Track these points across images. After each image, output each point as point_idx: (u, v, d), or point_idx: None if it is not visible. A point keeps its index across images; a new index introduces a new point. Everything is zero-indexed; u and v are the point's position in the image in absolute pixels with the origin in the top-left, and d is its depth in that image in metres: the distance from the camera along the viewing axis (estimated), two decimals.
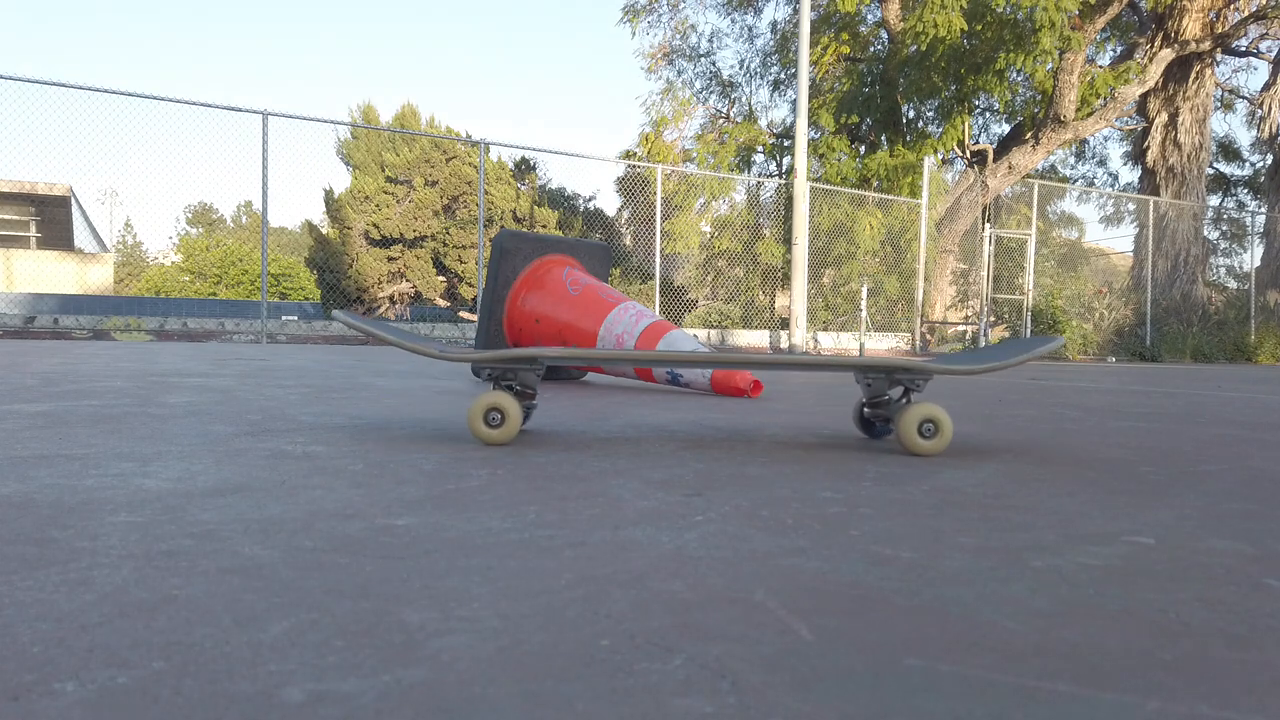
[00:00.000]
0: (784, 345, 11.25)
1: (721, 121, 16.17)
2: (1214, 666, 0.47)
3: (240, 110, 9.16)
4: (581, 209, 18.49)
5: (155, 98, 8.80)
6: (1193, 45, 14.01)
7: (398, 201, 17.47)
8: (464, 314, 16.65)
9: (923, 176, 12.27)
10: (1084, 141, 19.95)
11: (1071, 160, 21.67)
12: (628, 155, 15.65)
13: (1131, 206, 16.18)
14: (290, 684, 0.41)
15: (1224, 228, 19.61)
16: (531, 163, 18.48)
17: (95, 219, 40.55)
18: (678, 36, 16.68)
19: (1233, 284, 19.09)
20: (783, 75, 15.77)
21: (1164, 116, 15.10)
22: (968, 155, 14.12)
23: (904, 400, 1.42)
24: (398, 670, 0.43)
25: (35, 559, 0.63)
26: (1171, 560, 0.71)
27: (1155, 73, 14.01)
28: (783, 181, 13.32)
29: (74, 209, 21.70)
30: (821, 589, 0.60)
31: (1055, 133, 13.39)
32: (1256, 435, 1.81)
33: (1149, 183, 15.52)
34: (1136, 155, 16.27)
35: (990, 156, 14.17)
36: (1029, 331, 12.56)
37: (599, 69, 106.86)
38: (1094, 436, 1.70)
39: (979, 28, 11.99)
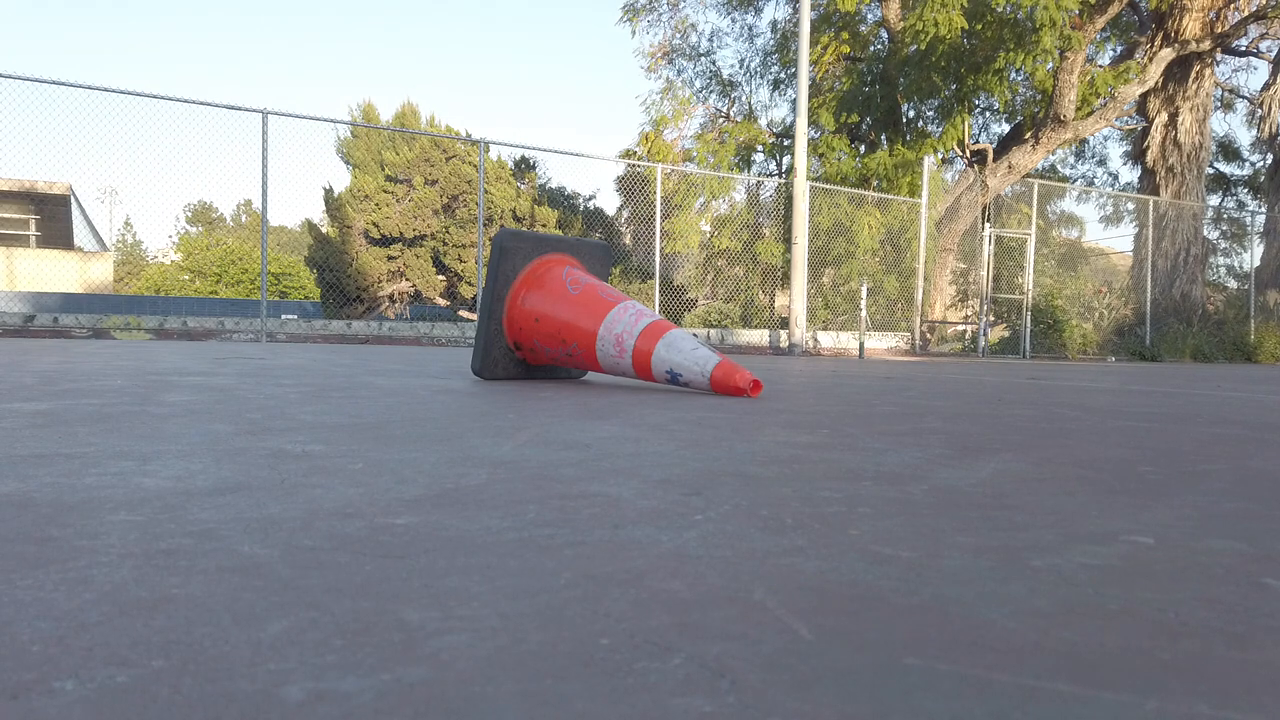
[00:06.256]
0: (784, 344, 11.25)
1: (721, 121, 16.16)
2: (1213, 666, 0.47)
3: (240, 109, 9.15)
4: (581, 208, 18.49)
5: (155, 96, 8.79)
6: (1193, 45, 14.00)
7: (397, 200, 17.46)
8: (464, 313, 16.64)
9: (922, 176, 12.27)
10: (1084, 141, 19.94)
11: (1071, 160, 21.67)
12: (628, 154, 15.65)
13: (1131, 206, 16.18)
14: (289, 682, 0.41)
15: (1224, 227, 19.61)
16: (531, 162, 18.47)
17: (95, 217, 40.56)
18: (678, 35, 16.67)
19: (1233, 284, 19.09)
20: (783, 74, 15.76)
21: (1164, 116, 15.09)
22: (967, 155, 14.11)
23: None
24: (397, 669, 0.43)
25: (34, 557, 0.63)
26: (1171, 560, 0.71)
27: (1155, 72, 14.01)
28: (782, 181, 13.32)
29: (74, 207, 21.69)
30: (821, 588, 0.60)
31: (1055, 132, 13.39)
32: (1256, 435, 1.81)
33: (1149, 182, 15.51)
34: (1136, 155, 16.26)
35: (990, 156, 14.17)
36: (1028, 331, 12.56)
37: (599, 68, 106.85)
38: (1094, 436, 1.70)
39: (979, 27, 11.99)
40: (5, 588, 0.55)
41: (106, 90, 8.57)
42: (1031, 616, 0.55)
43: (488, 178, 16.99)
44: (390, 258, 17.60)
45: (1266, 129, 15.52)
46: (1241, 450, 1.52)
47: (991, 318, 12.80)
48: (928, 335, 13.07)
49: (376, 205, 17.25)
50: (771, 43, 16.08)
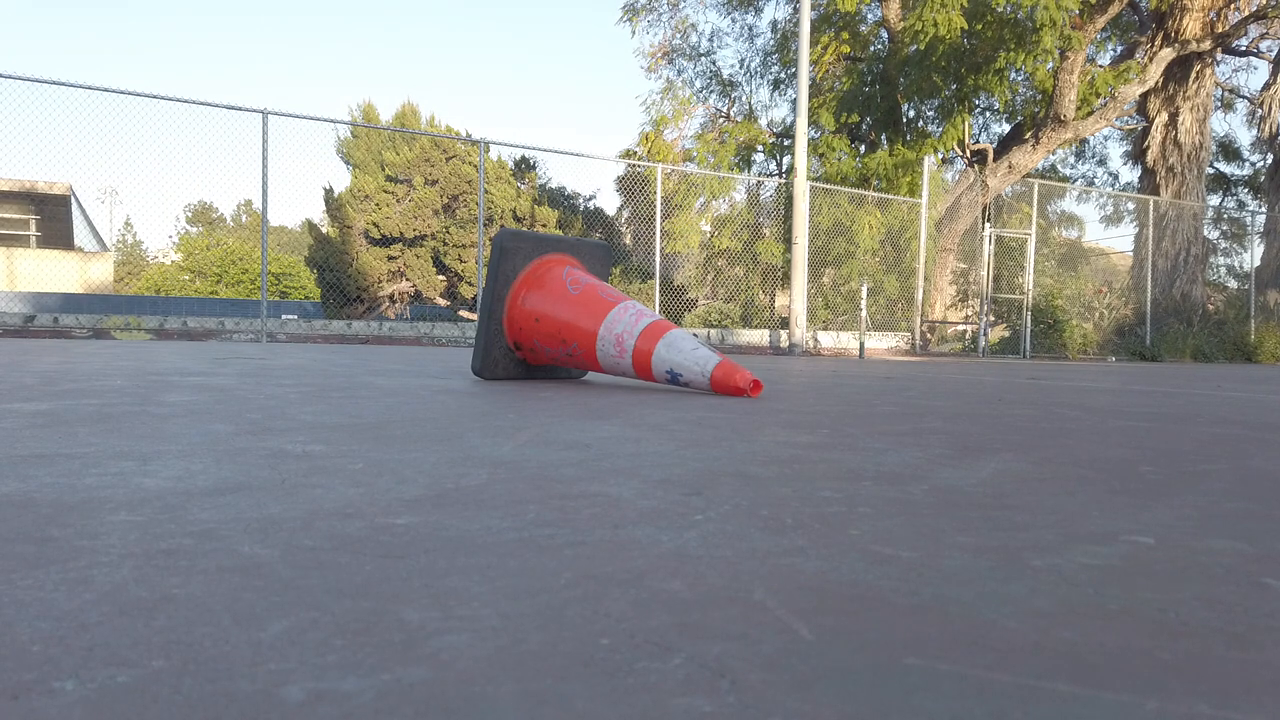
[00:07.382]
0: (784, 344, 11.25)
1: (721, 121, 16.15)
2: (1214, 666, 0.47)
3: (240, 109, 9.15)
4: (581, 208, 18.49)
5: (155, 96, 8.79)
6: (1193, 45, 13.99)
7: (398, 200, 17.46)
8: (464, 313, 16.64)
9: (922, 176, 12.27)
10: (1084, 141, 19.94)
11: (1071, 160, 21.65)
12: (628, 154, 15.65)
13: (1131, 206, 16.18)
14: (290, 683, 0.41)
15: (1224, 227, 19.60)
16: (531, 162, 18.48)
17: (95, 218, 40.55)
18: (678, 36, 16.66)
19: (1233, 284, 19.09)
20: (783, 74, 15.75)
21: (1164, 116, 15.09)
22: (968, 155, 14.11)
23: None
24: (397, 669, 0.43)
25: (35, 558, 0.63)
26: (1171, 560, 0.71)
27: (1155, 72, 14.00)
28: (783, 180, 13.32)
29: (74, 208, 21.70)
30: (821, 588, 0.60)
31: (1055, 132, 13.39)
32: (1256, 435, 1.81)
33: (1149, 182, 15.51)
34: (1136, 155, 16.26)
35: (990, 156, 14.16)
36: (1029, 331, 12.56)
37: (599, 68, 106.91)
38: (1094, 436, 1.70)
39: (979, 27, 11.98)
40: (5, 588, 0.55)
41: (106, 90, 8.57)
42: (1031, 616, 0.55)
43: (488, 178, 16.99)
44: (390, 258, 17.59)
45: (1266, 129, 15.52)
46: (1242, 450, 1.52)
47: (992, 318, 12.80)
48: (928, 335, 13.07)
49: (377, 205, 17.25)
50: (771, 43, 16.07)
